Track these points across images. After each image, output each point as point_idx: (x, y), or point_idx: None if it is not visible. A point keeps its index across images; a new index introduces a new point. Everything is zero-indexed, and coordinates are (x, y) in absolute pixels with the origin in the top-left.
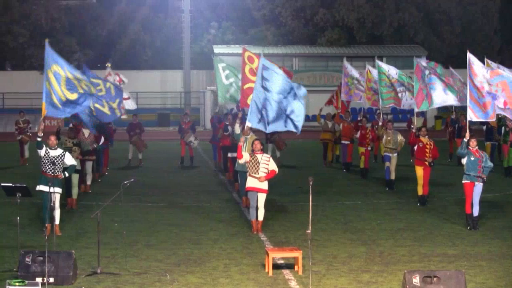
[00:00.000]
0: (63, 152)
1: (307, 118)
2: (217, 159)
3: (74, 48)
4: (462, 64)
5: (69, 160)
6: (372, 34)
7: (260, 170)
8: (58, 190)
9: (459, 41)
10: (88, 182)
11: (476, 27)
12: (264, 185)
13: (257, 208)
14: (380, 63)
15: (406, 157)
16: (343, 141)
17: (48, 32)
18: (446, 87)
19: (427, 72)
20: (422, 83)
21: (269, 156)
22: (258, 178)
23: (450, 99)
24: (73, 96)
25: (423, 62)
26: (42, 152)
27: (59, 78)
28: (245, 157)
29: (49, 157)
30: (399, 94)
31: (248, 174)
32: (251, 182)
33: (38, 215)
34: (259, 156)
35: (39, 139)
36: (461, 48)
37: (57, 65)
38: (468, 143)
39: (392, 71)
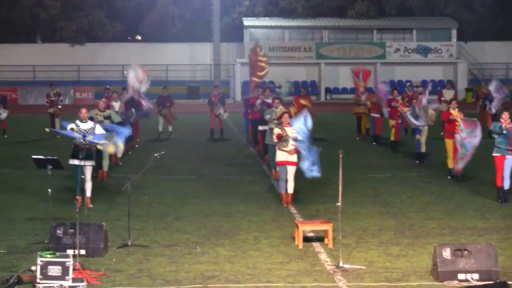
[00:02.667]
0: (94, 125)
1: (336, 90)
2: (249, 133)
3: (103, 21)
4: (493, 37)
5: (100, 132)
6: (402, 6)
7: (290, 143)
8: (89, 162)
9: (490, 13)
10: (119, 155)
11: None
12: (294, 158)
13: (286, 181)
14: None
15: (436, 130)
16: (372, 114)
17: (78, 5)
18: None
19: None
20: None
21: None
22: (288, 151)
23: None
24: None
25: None
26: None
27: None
28: (276, 130)
29: (80, 130)
30: None
31: (277, 147)
32: (281, 156)
33: (69, 188)
34: (288, 129)
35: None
36: (492, 20)
37: None
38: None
39: None
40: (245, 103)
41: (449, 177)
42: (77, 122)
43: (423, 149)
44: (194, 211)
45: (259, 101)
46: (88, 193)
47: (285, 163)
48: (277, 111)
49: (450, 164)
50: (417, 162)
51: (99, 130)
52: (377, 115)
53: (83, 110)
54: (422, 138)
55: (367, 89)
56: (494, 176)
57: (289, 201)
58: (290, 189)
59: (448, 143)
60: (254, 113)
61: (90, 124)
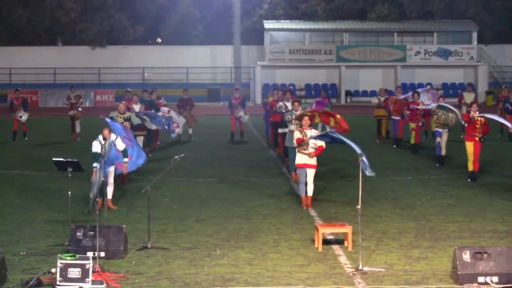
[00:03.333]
0: (114, 139)
1: (356, 93)
2: (270, 136)
3: (124, 23)
4: None
5: (120, 145)
6: (422, 9)
7: (309, 146)
8: (111, 168)
9: (511, 16)
10: None
11: None
12: (313, 161)
13: (306, 184)
14: None
15: (457, 133)
16: (393, 117)
17: (99, 7)
18: None
19: None
20: None
21: (317, 131)
22: (308, 154)
23: None
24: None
25: None
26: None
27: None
28: (296, 135)
29: (102, 145)
30: None
31: (297, 150)
32: (300, 159)
33: (89, 190)
34: (307, 131)
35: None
36: None
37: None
38: None
39: None
40: (264, 106)
41: (469, 180)
42: (100, 139)
43: (443, 152)
44: (214, 214)
45: (279, 104)
46: (109, 195)
47: (304, 166)
48: (297, 114)
49: (470, 167)
50: (437, 165)
51: (119, 143)
52: (398, 118)
53: (105, 131)
54: (443, 141)
55: (387, 91)
56: None
57: (309, 204)
58: (310, 191)
59: (468, 145)
60: (274, 115)
61: (112, 138)
